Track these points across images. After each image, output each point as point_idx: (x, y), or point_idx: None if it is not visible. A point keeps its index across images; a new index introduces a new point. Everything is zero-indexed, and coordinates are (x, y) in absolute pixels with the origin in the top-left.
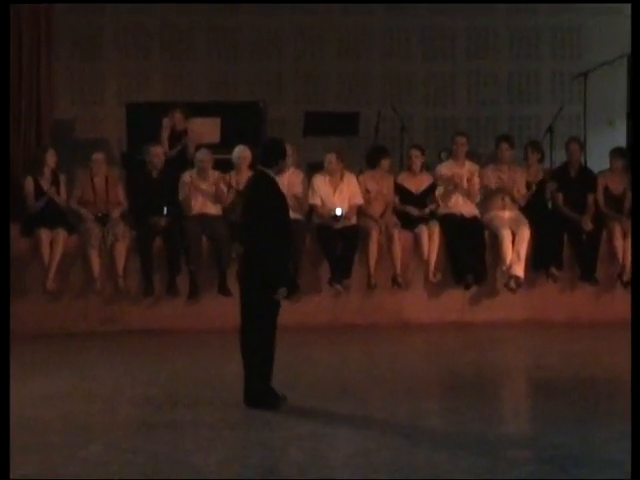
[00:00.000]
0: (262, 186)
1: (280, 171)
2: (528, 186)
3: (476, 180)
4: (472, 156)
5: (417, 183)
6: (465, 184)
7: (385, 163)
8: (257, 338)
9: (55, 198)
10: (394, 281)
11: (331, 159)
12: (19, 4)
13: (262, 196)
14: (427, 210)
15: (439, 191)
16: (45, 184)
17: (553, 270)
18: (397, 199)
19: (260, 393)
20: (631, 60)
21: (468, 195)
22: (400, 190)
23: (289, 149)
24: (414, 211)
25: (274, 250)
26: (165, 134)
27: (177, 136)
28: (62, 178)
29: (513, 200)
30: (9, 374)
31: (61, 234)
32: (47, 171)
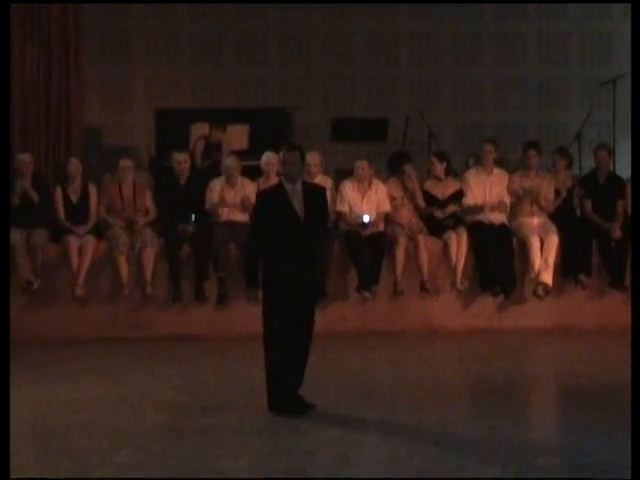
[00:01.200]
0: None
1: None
2: (557, 193)
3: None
4: (500, 162)
5: (443, 189)
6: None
7: (407, 169)
8: (280, 344)
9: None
10: (422, 287)
11: (363, 165)
12: (49, 12)
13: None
14: (448, 210)
15: (468, 201)
16: (73, 196)
17: (582, 277)
18: (424, 205)
19: (284, 399)
20: (632, 60)
21: (498, 209)
22: (426, 196)
23: (316, 156)
24: (439, 213)
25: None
26: (199, 147)
27: (211, 148)
28: (92, 187)
29: (540, 207)
30: (9, 373)
31: (90, 241)
32: (73, 182)
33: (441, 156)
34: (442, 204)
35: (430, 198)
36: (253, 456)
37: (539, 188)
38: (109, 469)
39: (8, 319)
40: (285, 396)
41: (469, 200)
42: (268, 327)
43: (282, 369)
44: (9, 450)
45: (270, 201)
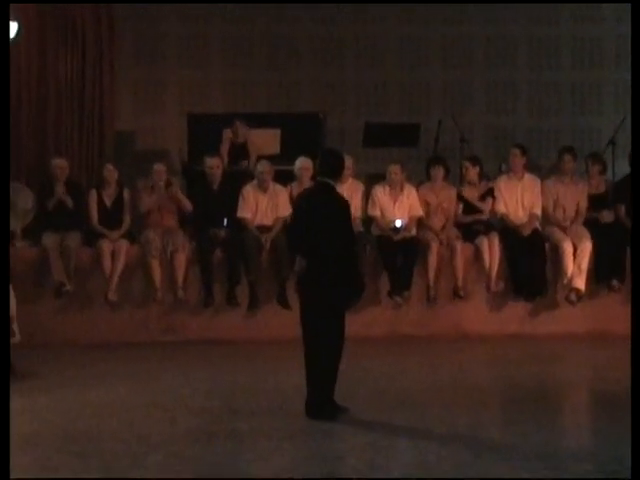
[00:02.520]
0: (328, 195)
1: (339, 182)
2: (590, 199)
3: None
4: (533, 168)
5: (477, 194)
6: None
7: (436, 173)
8: (321, 348)
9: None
10: (455, 293)
11: (396, 170)
12: (82, 15)
13: (330, 206)
14: (483, 206)
15: (498, 206)
16: (108, 200)
17: (615, 283)
18: (460, 210)
19: (321, 404)
20: (632, 61)
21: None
22: (461, 201)
23: (348, 161)
24: (478, 217)
25: (341, 258)
26: (225, 147)
27: (238, 149)
28: (126, 192)
29: (573, 214)
30: (9, 373)
31: (123, 245)
32: (109, 187)
33: (474, 160)
34: (478, 209)
35: (465, 203)
36: (285, 461)
37: (573, 194)
38: (140, 473)
39: (8, 319)
40: (325, 401)
41: (500, 206)
42: (325, 335)
43: (332, 376)
44: (9, 450)
45: (346, 204)
